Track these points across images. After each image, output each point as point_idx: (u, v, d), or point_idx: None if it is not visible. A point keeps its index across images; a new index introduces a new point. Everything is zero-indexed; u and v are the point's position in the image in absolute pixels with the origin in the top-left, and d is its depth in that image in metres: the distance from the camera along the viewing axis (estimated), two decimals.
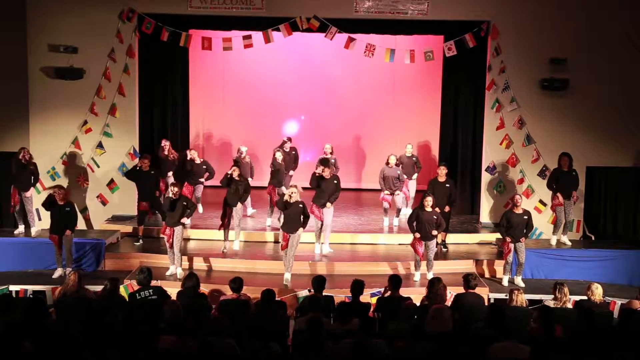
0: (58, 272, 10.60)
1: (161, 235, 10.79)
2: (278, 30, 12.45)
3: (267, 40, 12.51)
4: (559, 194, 11.51)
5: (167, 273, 10.47)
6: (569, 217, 11.70)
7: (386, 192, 12.45)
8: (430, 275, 10.39)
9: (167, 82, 14.06)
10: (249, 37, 12.51)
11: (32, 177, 11.64)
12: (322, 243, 11.38)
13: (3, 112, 12.59)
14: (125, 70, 12.55)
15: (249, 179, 12.39)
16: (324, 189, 11.15)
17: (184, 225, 10.61)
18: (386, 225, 12.65)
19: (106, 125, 12.64)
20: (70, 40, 12.33)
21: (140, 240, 11.80)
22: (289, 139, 13.54)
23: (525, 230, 10.63)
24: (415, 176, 13.27)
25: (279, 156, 12.61)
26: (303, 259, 10.90)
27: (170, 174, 12.89)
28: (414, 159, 13.22)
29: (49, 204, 10.58)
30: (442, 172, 11.55)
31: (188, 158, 12.66)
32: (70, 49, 12.31)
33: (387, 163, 12.46)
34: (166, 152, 12.91)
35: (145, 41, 12.76)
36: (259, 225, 12.58)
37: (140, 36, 12.66)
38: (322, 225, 11.23)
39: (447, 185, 11.46)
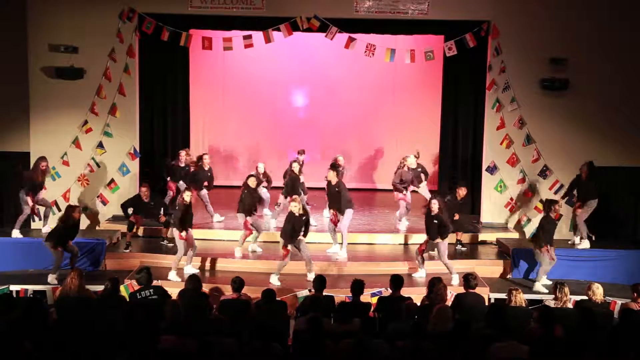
0: (52, 278, 10.46)
1: (179, 240, 10.56)
2: (278, 30, 12.45)
3: (268, 40, 12.50)
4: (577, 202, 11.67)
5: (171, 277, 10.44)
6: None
7: (403, 193, 12.41)
8: (455, 278, 10.41)
9: (168, 82, 14.06)
10: (250, 37, 12.50)
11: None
12: (340, 243, 11.37)
13: (3, 112, 12.60)
14: (126, 70, 12.54)
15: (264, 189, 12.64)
16: (332, 194, 11.23)
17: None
18: (403, 228, 12.53)
19: (106, 125, 12.64)
20: (70, 40, 12.33)
21: (130, 247, 11.61)
22: (303, 151, 13.40)
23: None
24: (423, 184, 13.09)
25: (296, 167, 12.29)
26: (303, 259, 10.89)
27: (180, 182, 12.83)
28: (419, 169, 12.80)
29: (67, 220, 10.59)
30: (463, 192, 11.60)
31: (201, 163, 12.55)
32: (71, 49, 12.31)
33: (405, 166, 12.43)
34: (182, 164, 12.60)
35: (146, 41, 12.76)
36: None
37: (141, 36, 12.66)
38: (334, 227, 11.29)
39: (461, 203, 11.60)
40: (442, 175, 14.44)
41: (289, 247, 10.30)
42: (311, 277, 10.12)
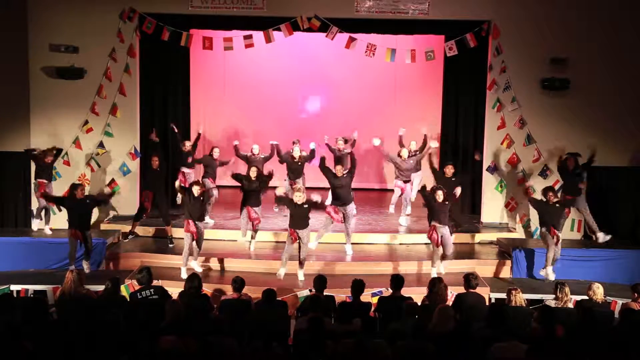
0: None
1: (185, 233, 10.53)
2: (279, 30, 12.46)
3: (268, 40, 12.51)
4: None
5: (183, 275, 10.34)
6: (587, 216, 11.74)
7: (400, 180, 12.49)
8: (442, 269, 10.43)
9: (168, 81, 14.04)
10: (250, 36, 12.51)
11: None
12: (345, 243, 11.38)
13: (4, 111, 12.58)
14: (126, 70, 12.55)
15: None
16: (338, 187, 11.12)
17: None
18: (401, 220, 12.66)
19: (107, 125, 12.64)
20: (71, 40, 12.34)
21: (131, 236, 11.76)
22: (298, 141, 13.32)
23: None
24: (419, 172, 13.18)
25: (297, 152, 12.48)
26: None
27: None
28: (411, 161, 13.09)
29: (68, 204, 10.64)
30: (449, 170, 11.53)
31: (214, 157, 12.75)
32: (71, 49, 12.31)
33: (400, 156, 12.43)
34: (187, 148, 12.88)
35: (146, 41, 12.76)
36: (266, 225, 12.47)
37: (141, 36, 12.66)
38: (330, 225, 11.23)
39: (453, 179, 11.47)
40: None
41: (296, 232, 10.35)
42: (300, 276, 10.40)
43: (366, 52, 12.55)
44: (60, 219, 11.79)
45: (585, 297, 8.56)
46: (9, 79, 12.52)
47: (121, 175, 12.79)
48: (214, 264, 11.06)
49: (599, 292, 8.38)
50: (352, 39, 12.48)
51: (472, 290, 8.49)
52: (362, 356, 6.24)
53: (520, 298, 8.25)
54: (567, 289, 8.43)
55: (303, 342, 6.62)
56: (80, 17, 12.42)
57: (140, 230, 12.15)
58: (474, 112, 13.66)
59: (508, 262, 11.36)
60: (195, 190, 10.44)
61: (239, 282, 8.46)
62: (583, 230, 12.44)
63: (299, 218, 10.36)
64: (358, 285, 8.37)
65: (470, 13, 12.47)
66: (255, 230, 11.49)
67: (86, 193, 11.17)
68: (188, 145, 12.79)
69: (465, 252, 11.78)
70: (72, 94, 12.51)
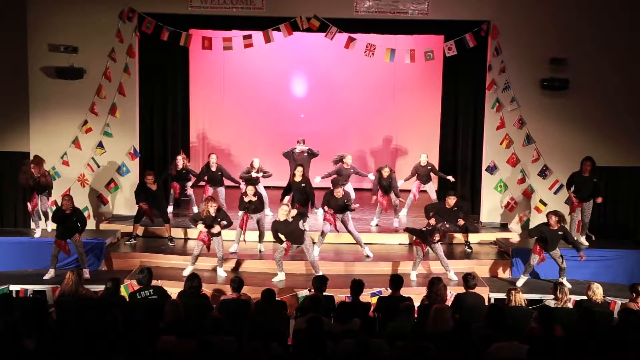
0: (50, 274, 10.51)
1: (197, 240, 10.58)
2: (278, 30, 12.46)
3: (267, 40, 12.51)
4: (575, 198, 11.60)
5: (185, 272, 10.34)
6: (586, 218, 11.70)
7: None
8: (452, 275, 10.48)
9: (168, 82, 14.04)
10: (249, 36, 12.51)
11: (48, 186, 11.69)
12: (362, 247, 11.35)
13: (3, 111, 12.60)
14: (126, 70, 12.54)
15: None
16: (333, 205, 11.10)
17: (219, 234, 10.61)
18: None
19: (106, 125, 12.63)
20: (70, 40, 12.33)
21: (133, 240, 11.78)
22: (303, 141, 13.13)
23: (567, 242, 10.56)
24: (430, 183, 13.26)
25: (298, 173, 11.81)
26: (303, 259, 10.89)
27: (189, 184, 12.86)
28: (429, 167, 13.06)
29: (58, 216, 10.54)
30: (452, 201, 11.31)
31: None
32: (71, 49, 12.30)
33: (380, 172, 12.53)
34: (181, 167, 12.69)
35: (146, 41, 12.75)
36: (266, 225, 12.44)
37: (141, 36, 12.66)
38: (326, 229, 11.23)
39: (455, 209, 11.33)
40: None
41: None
42: (282, 277, 10.48)
43: (365, 52, 12.55)
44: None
45: (585, 297, 8.58)
46: (8, 79, 12.53)
47: (120, 175, 12.77)
48: (214, 264, 11.04)
49: (598, 292, 8.40)
50: (351, 39, 12.48)
51: (471, 291, 8.49)
52: (362, 356, 6.24)
53: (520, 298, 8.26)
54: (566, 289, 8.46)
55: (302, 342, 6.63)
56: (80, 17, 12.41)
57: (139, 230, 12.13)
58: (473, 112, 13.66)
59: (507, 262, 11.36)
60: (212, 209, 10.36)
61: (237, 282, 8.47)
62: (582, 230, 12.43)
63: (291, 235, 10.21)
64: (357, 286, 8.37)
65: (470, 13, 12.47)
66: (261, 233, 11.48)
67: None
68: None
69: (464, 252, 11.76)
70: (71, 94, 12.50)
